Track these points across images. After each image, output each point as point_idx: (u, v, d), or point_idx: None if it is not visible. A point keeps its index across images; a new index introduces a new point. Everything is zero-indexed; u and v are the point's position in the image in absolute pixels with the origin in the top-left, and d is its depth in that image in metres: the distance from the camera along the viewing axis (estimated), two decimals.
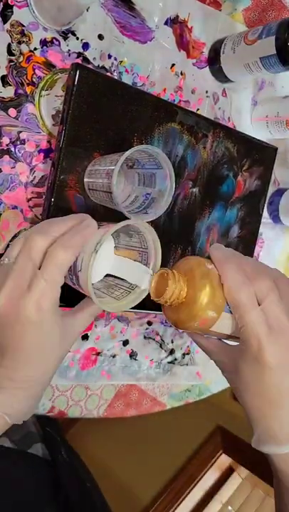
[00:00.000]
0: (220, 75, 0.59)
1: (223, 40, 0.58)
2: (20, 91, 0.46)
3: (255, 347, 0.32)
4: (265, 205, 0.65)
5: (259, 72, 0.54)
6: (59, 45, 0.48)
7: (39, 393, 0.35)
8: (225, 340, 0.40)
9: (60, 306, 0.34)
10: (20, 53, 0.45)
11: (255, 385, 0.34)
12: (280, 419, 0.34)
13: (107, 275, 0.41)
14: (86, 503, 0.55)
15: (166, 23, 0.55)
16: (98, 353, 0.58)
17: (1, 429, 0.34)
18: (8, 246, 0.48)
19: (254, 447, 0.37)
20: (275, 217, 0.71)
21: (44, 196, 0.48)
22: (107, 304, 0.38)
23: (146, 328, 0.61)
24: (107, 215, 0.48)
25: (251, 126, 0.66)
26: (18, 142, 0.46)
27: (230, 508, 1.35)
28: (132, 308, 0.53)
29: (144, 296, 0.38)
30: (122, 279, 0.40)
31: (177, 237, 0.54)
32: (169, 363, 0.65)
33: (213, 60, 0.59)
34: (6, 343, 0.32)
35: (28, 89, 0.46)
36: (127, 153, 0.39)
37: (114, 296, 0.39)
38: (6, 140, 0.46)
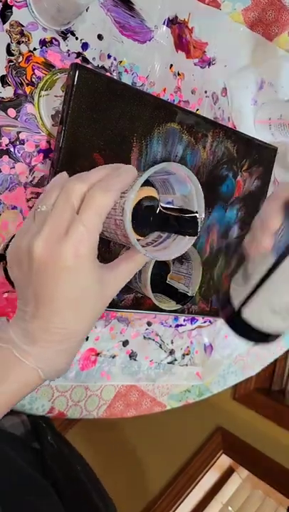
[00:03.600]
0: None
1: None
2: (19, 91, 0.46)
3: None
4: None
5: None
6: (58, 45, 0.47)
7: (74, 348, 0.34)
8: None
9: None
10: (20, 53, 0.45)
11: None
12: None
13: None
14: (76, 485, 0.53)
15: (164, 24, 0.55)
16: (98, 354, 0.58)
17: (34, 384, 0.33)
18: (7, 246, 0.47)
19: None
20: None
21: None
22: (153, 253, 0.36)
23: (146, 329, 0.61)
24: None
25: (254, 127, 0.66)
26: (18, 142, 0.46)
27: (230, 508, 1.35)
28: (133, 308, 0.53)
29: (191, 243, 0.37)
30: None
31: None
32: (168, 363, 0.65)
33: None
34: (42, 291, 0.32)
35: (27, 90, 0.46)
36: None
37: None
38: (5, 140, 0.46)
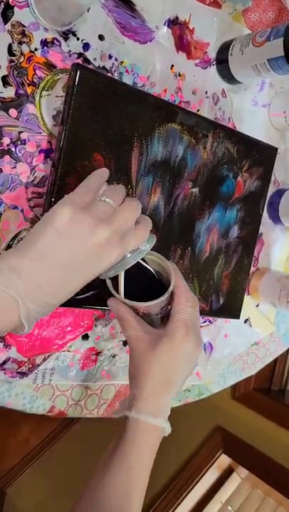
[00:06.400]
0: (227, 76, 0.60)
1: (231, 41, 0.58)
2: (20, 91, 0.46)
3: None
4: (265, 206, 0.65)
5: (267, 73, 0.55)
6: (60, 45, 0.48)
7: (59, 274, 0.36)
8: None
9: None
10: (21, 54, 0.46)
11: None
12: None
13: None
14: None
15: (165, 24, 0.55)
16: (98, 353, 0.58)
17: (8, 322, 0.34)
18: (8, 246, 0.48)
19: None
20: (275, 218, 0.71)
21: (44, 196, 0.48)
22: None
23: None
24: None
25: (269, 120, 0.68)
26: (19, 142, 0.47)
27: (229, 507, 1.36)
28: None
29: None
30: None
31: (177, 237, 0.54)
32: None
33: (221, 61, 0.59)
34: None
35: (28, 90, 0.46)
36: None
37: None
38: (6, 140, 0.46)
